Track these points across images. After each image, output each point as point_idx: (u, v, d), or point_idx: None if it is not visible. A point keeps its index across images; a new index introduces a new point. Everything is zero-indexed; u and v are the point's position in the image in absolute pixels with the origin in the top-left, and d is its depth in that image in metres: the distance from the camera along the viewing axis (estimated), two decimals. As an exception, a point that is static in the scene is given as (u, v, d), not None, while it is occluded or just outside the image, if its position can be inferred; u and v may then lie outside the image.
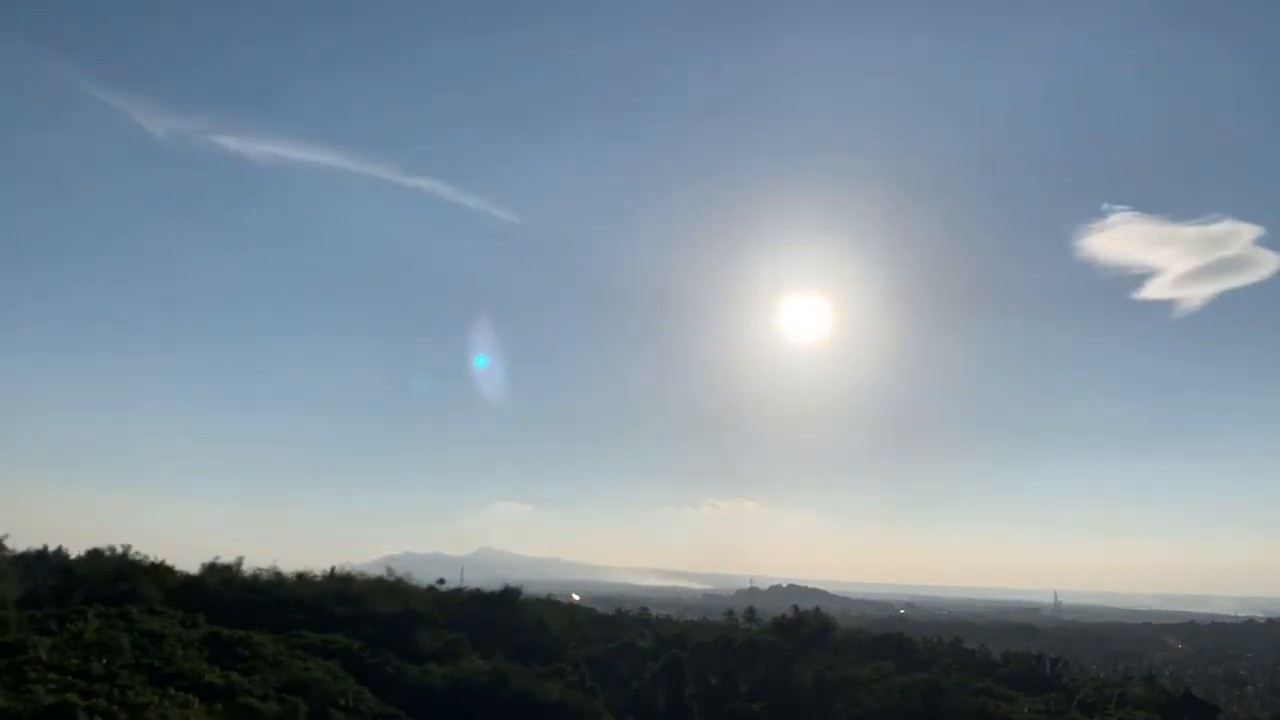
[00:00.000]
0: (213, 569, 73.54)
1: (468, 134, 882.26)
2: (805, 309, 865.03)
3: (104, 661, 43.53)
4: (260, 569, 74.03)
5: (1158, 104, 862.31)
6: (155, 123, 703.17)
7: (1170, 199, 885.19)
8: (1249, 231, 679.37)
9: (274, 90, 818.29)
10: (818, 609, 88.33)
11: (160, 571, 69.46)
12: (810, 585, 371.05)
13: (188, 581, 69.60)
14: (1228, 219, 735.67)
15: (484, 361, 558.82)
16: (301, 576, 75.05)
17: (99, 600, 55.46)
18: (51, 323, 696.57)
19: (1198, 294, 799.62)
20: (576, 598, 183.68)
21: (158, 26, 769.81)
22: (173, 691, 41.79)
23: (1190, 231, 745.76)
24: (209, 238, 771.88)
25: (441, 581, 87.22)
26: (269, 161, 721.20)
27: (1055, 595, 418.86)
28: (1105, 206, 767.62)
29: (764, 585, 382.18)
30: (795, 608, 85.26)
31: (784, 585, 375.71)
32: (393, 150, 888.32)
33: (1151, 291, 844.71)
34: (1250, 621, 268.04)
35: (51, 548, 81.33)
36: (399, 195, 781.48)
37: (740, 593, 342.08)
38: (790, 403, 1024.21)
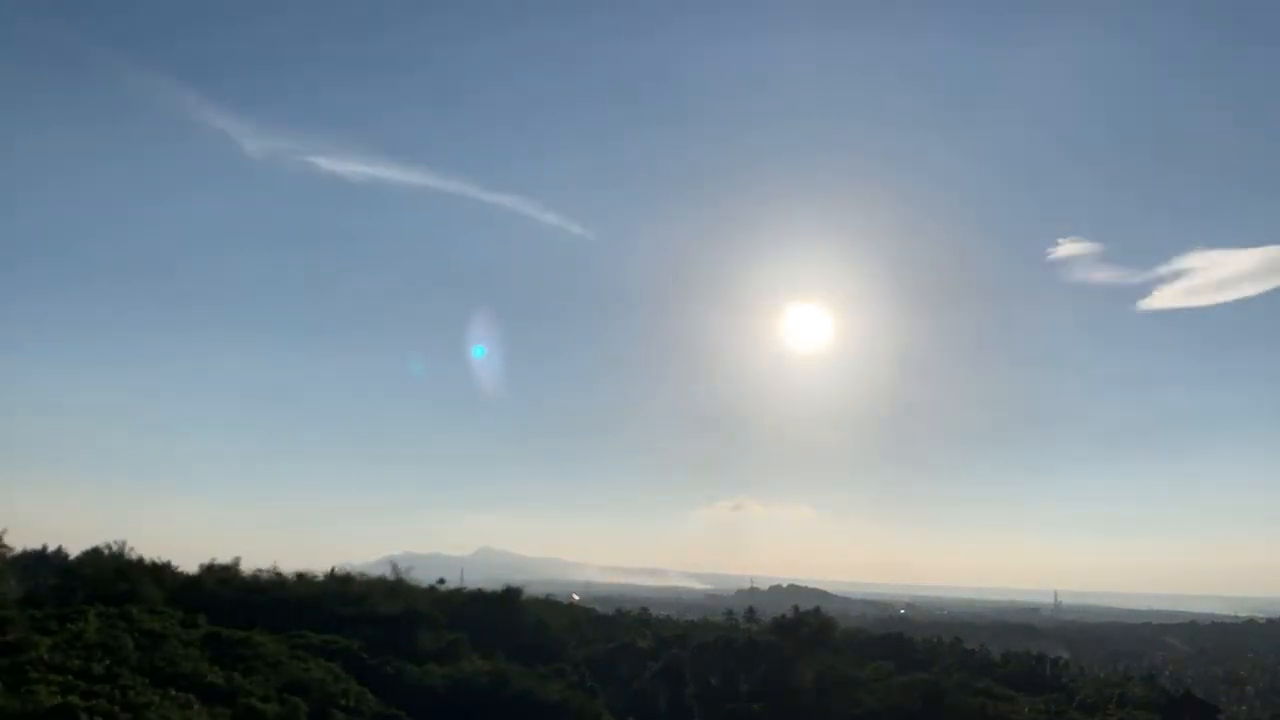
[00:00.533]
0: (212, 569, 73.64)
1: (543, 149, 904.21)
2: (807, 313, 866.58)
3: (105, 662, 43.52)
4: (260, 569, 74.21)
5: (1167, 111, 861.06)
6: (253, 144, 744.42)
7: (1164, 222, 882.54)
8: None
9: (363, 112, 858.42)
10: (818, 609, 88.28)
11: (161, 572, 69.52)
12: (810, 585, 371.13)
13: (188, 582, 69.65)
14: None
15: (481, 351, 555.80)
16: (302, 576, 75.15)
17: (100, 600, 55.41)
18: (80, 327, 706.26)
19: (1200, 300, 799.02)
20: (576, 598, 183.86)
21: (258, 50, 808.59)
22: (174, 692, 41.78)
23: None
24: (247, 240, 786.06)
25: (442, 581, 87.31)
26: (362, 180, 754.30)
27: (1055, 595, 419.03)
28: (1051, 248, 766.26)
29: (764, 585, 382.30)
30: (795, 608, 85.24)
31: (784, 585, 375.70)
32: (474, 168, 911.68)
33: (1153, 296, 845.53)
34: (1250, 621, 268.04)
35: (51, 548, 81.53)
36: (481, 210, 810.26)
37: (740, 593, 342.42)
38: (792, 405, 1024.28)
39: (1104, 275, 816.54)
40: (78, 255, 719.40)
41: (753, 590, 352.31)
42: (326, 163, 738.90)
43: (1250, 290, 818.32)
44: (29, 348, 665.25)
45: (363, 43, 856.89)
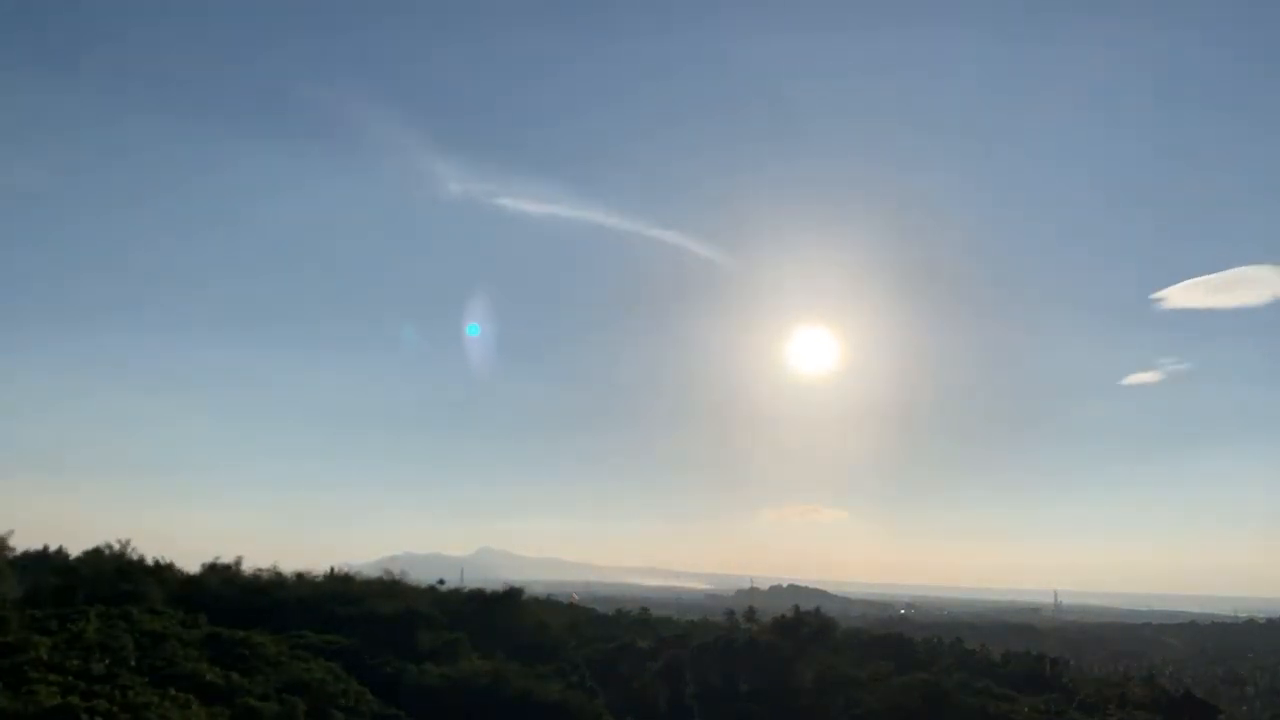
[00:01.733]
0: (213, 569, 73.74)
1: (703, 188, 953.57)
2: (809, 321, 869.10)
3: (105, 662, 43.58)
4: (260, 569, 74.29)
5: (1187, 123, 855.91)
6: (456, 185, 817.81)
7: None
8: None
9: (544, 157, 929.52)
10: (818, 609, 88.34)
11: (161, 572, 69.58)
12: (810, 585, 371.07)
13: (188, 581, 69.73)
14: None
15: (476, 330, 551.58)
16: (301, 576, 75.23)
17: (100, 600, 55.51)
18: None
19: (1202, 301, 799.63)
20: (576, 597, 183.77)
21: (459, 102, 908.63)
22: (173, 692, 41.82)
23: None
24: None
25: (441, 582, 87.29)
26: (544, 217, 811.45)
27: (1055, 595, 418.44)
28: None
29: (764, 585, 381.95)
30: (796, 608, 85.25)
31: (784, 585, 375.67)
32: (640, 204, 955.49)
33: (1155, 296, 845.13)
34: (1250, 621, 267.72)
35: (52, 548, 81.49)
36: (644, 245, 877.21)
37: (740, 593, 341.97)
38: (796, 409, 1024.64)
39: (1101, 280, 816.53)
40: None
41: (753, 590, 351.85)
42: (512, 202, 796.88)
43: (1250, 299, 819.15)
44: (31, 349, 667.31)
45: (552, 120, 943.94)
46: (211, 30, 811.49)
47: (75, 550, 78.18)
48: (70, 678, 40.36)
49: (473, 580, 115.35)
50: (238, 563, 74.49)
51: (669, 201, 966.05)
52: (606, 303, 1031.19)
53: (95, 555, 74.20)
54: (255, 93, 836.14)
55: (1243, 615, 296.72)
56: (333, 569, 79.54)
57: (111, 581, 62.48)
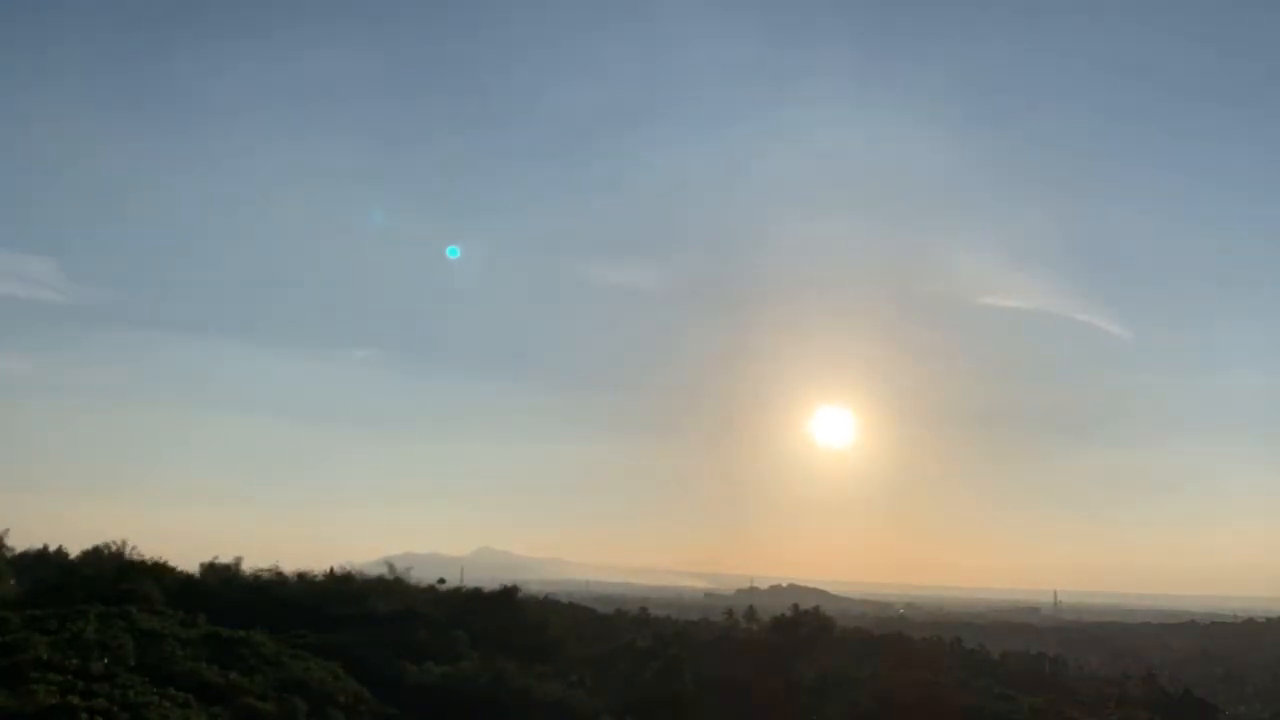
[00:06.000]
0: (213, 569, 73.83)
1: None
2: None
3: (104, 661, 43.61)
4: (260, 569, 74.35)
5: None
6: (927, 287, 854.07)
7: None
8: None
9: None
10: (818, 609, 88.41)
11: (160, 571, 69.62)
12: (810, 585, 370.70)
13: (188, 581, 69.81)
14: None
15: (455, 252, 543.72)
16: (301, 576, 75.29)
17: (99, 600, 55.52)
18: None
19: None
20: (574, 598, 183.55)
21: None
22: (172, 691, 41.86)
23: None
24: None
25: (441, 581, 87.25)
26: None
27: (1055, 595, 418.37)
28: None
29: (764, 585, 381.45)
30: (795, 607, 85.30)
31: (784, 585, 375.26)
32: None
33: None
34: (1250, 621, 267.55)
35: (51, 548, 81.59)
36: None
37: (740, 592, 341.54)
38: (798, 408, 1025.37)
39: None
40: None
41: (753, 590, 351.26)
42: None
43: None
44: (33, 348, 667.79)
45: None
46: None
47: (75, 550, 78.44)
48: (69, 677, 40.37)
49: (473, 580, 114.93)
50: (237, 563, 74.64)
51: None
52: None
53: (95, 555, 74.32)
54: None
55: (1243, 615, 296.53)
56: (333, 569, 79.57)
57: (111, 581, 62.53)
